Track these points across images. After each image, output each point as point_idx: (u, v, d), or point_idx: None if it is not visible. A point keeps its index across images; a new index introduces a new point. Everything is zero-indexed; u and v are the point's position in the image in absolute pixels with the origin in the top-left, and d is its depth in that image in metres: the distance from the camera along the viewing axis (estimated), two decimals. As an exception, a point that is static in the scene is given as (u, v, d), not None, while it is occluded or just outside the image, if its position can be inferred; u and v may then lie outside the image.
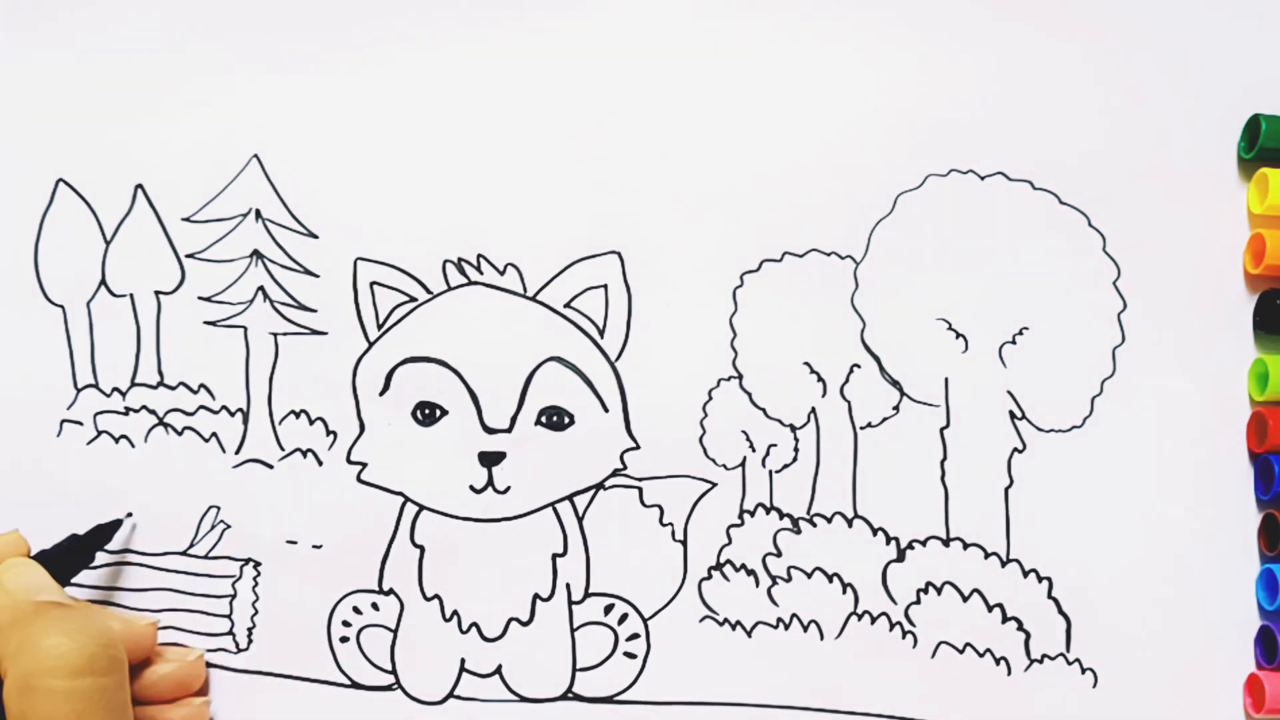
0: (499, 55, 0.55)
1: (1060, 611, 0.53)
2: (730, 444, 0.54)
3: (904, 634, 0.53)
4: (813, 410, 0.54)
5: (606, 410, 0.54)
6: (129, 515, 0.54)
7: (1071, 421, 0.54)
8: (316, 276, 0.55)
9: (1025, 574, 0.54)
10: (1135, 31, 0.56)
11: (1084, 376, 0.54)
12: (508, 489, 0.54)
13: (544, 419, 0.54)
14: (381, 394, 0.55)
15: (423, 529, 0.54)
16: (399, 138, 0.56)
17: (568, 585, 0.54)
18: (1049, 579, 0.53)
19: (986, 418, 0.54)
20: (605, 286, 0.55)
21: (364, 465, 0.54)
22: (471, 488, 0.54)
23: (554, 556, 0.54)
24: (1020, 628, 0.53)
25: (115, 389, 0.55)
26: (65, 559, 0.51)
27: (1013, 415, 0.54)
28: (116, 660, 0.46)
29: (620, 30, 0.56)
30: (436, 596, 0.54)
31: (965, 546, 0.54)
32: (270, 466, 0.55)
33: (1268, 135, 0.54)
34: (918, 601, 0.53)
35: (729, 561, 0.54)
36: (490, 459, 0.54)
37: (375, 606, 0.54)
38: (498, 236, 0.55)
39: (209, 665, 0.54)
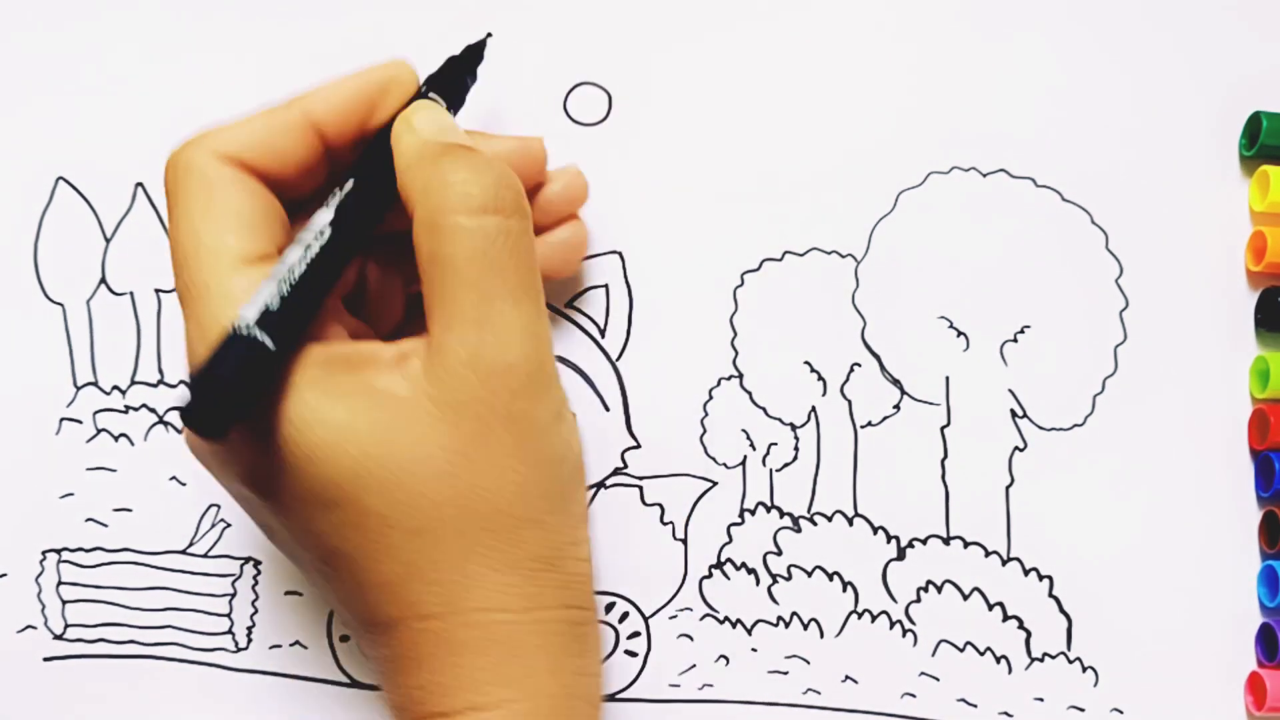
0: (498, 53, 0.55)
1: (1061, 610, 0.53)
2: (731, 443, 0.54)
3: (904, 632, 0.53)
4: (813, 409, 0.54)
5: (607, 409, 0.54)
6: (489, 35, 0.51)
7: (1073, 420, 0.54)
8: (317, 275, 0.55)
9: (1026, 573, 0.53)
10: (1136, 29, 0.56)
11: (1085, 374, 0.54)
12: (508, 487, 0.54)
13: (544, 417, 0.54)
14: (382, 392, 0.54)
15: (423, 528, 0.54)
16: (399, 136, 0.55)
17: (568, 584, 0.54)
18: (1050, 578, 0.53)
19: (987, 416, 0.54)
20: (606, 286, 0.55)
21: (364, 464, 0.54)
22: (472, 486, 0.54)
23: (554, 555, 0.54)
24: (1021, 626, 0.53)
25: (115, 387, 0.55)
26: (453, 86, 0.49)
27: (1014, 413, 0.54)
28: (520, 205, 0.45)
29: (619, 29, 0.56)
30: (437, 595, 0.54)
31: (966, 545, 0.54)
32: (270, 465, 0.54)
33: (1268, 132, 0.54)
34: (918, 600, 0.53)
35: (730, 560, 0.54)
36: (490, 457, 0.54)
37: (375, 605, 0.54)
38: (498, 235, 0.55)
39: (207, 665, 0.54)
